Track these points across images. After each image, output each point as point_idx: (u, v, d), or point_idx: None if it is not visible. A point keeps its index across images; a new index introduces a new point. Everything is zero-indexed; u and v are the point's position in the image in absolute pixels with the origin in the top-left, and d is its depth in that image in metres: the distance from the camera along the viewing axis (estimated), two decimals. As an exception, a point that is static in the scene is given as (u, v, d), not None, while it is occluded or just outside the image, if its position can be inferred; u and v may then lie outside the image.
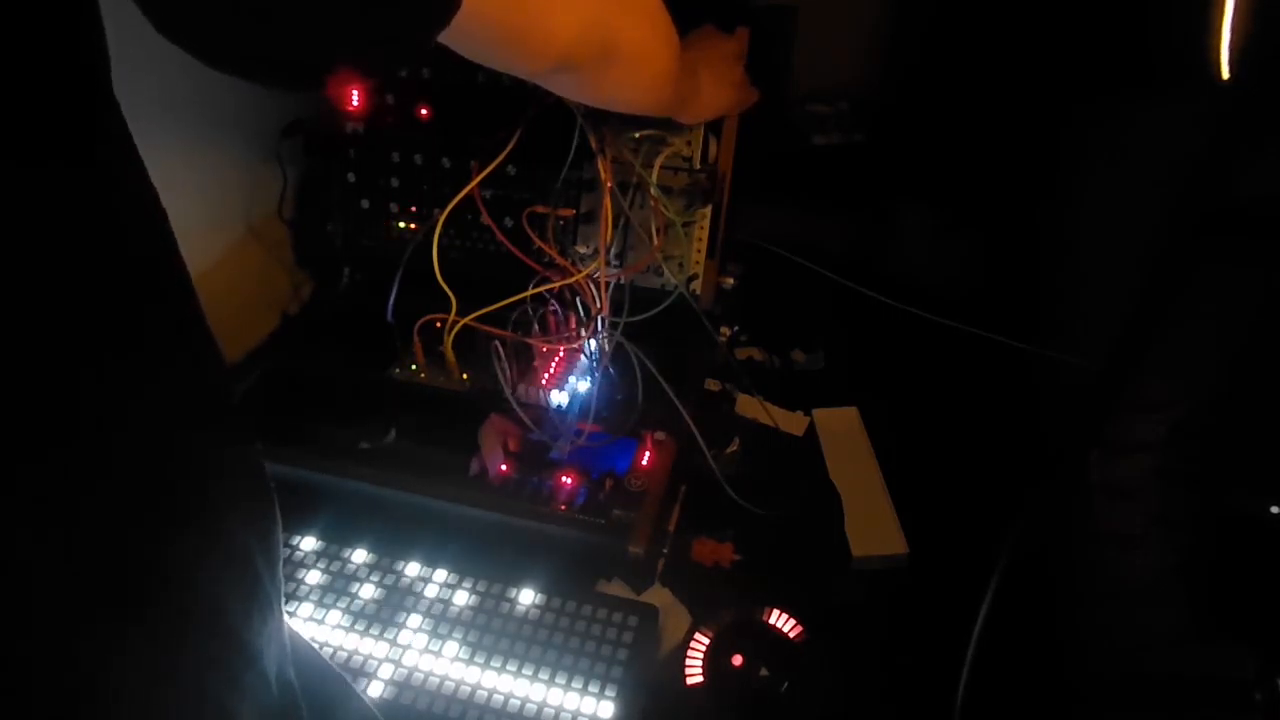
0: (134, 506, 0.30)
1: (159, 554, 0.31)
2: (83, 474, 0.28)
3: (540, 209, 0.78)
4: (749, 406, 0.85)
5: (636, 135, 0.74)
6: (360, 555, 0.71)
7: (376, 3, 0.31)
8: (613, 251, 0.80)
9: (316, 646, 0.64)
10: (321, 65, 0.33)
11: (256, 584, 0.36)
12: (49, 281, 0.27)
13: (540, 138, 0.72)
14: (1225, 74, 0.49)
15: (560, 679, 0.61)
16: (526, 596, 0.67)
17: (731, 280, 0.83)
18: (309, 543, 0.72)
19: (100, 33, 0.30)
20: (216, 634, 0.33)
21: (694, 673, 0.62)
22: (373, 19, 0.31)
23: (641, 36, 0.51)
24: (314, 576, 0.69)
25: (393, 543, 0.71)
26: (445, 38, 0.36)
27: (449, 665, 0.63)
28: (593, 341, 0.77)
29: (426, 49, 0.35)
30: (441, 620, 0.66)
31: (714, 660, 0.62)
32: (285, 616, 0.46)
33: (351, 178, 0.90)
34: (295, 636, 0.46)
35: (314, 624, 0.66)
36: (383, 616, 0.66)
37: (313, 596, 0.68)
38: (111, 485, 0.29)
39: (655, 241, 0.76)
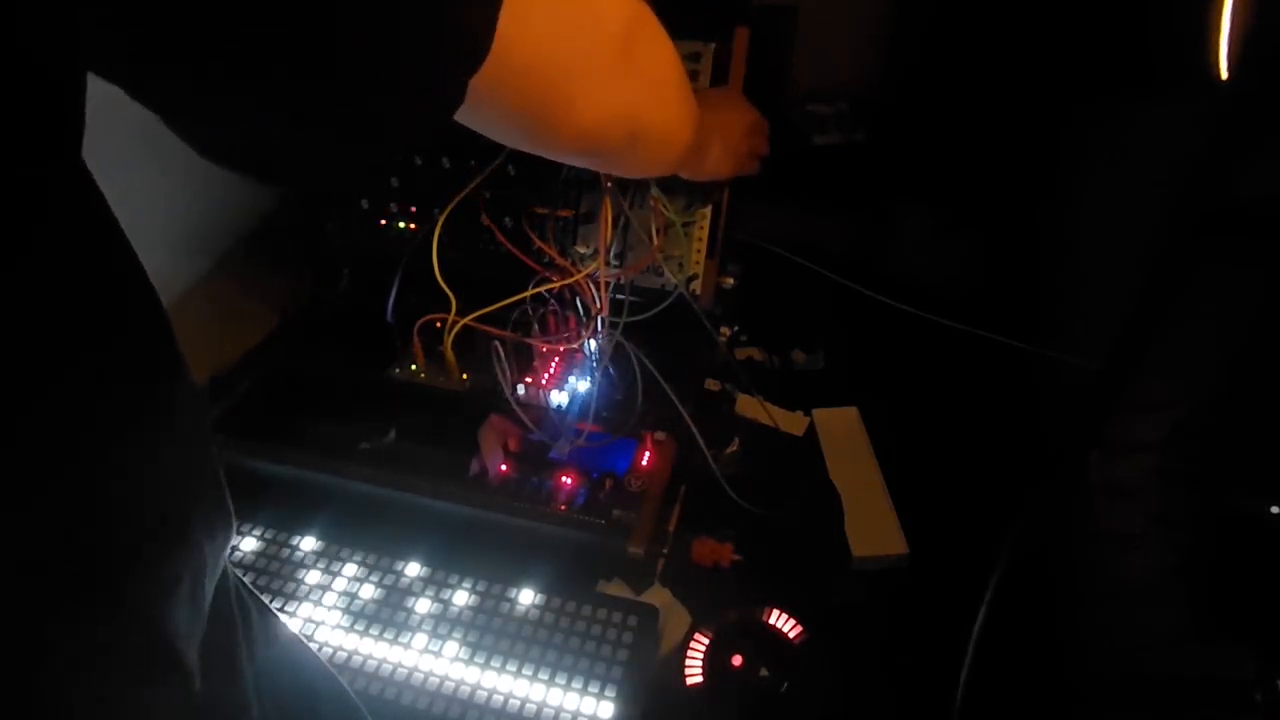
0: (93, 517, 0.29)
1: (114, 561, 0.30)
2: (37, 483, 0.27)
3: (540, 209, 0.78)
4: (749, 406, 0.85)
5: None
6: (360, 555, 0.71)
7: (360, 135, 0.31)
8: (613, 251, 0.80)
9: (316, 647, 0.64)
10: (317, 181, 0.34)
11: (195, 603, 0.34)
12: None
13: (540, 138, 0.72)
14: (1225, 74, 0.49)
15: (560, 679, 0.61)
16: (526, 596, 0.67)
17: (731, 280, 0.83)
18: (309, 543, 0.72)
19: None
20: (152, 652, 0.32)
21: (694, 673, 0.62)
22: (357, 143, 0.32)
23: (665, 120, 0.50)
24: (314, 576, 0.69)
25: (392, 543, 0.71)
26: (471, 124, 0.37)
27: (449, 665, 0.63)
28: (593, 341, 0.77)
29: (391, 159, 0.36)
30: (441, 620, 0.66)
31: (714, 660, 0.62)
32: (281, 622, 0.45)
33: (351, 178, 0.90)
34: (289, 635, 0.46)
35: (314, 624, 0.66)
36: (382, 616, 0.66)
37: (313, 596, 0.68)
38: (69, 495, 0.28)
39: (655, 241, 0.76)
